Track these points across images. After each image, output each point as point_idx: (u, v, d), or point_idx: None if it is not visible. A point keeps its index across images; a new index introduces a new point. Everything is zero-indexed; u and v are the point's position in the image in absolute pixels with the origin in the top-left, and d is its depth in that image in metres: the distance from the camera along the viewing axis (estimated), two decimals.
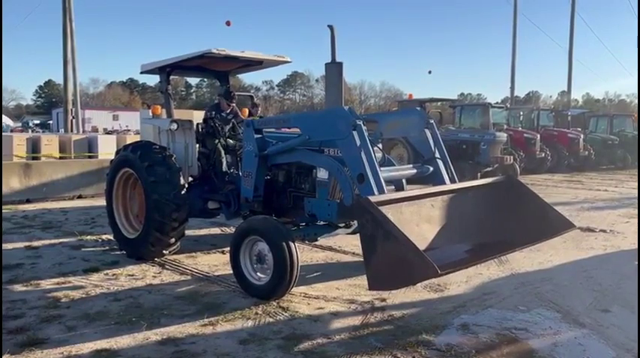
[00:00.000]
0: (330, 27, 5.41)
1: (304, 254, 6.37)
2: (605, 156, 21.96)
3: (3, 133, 23.52)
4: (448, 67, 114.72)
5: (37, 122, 60.16)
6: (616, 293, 5.05)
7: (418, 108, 6.14)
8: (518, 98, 51.44)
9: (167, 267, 5.93)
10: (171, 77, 6.87)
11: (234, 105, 6.84)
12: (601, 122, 24.66)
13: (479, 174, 14.39)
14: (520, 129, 19.08)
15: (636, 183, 14.39)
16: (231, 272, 4.99)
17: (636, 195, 11.58)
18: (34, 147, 16.09)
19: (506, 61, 57.76)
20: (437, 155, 5.22)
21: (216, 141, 6.47)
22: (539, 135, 18.67)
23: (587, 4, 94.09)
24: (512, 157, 16.05)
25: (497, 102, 19.44)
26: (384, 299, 4.77)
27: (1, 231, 7.14)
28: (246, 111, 8.05)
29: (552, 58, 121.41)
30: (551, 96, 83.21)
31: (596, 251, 6.89)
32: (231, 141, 6.50)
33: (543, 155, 18.61)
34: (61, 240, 7.25)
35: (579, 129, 21.83)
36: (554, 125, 21.77)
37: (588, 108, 46.30)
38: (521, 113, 20.65)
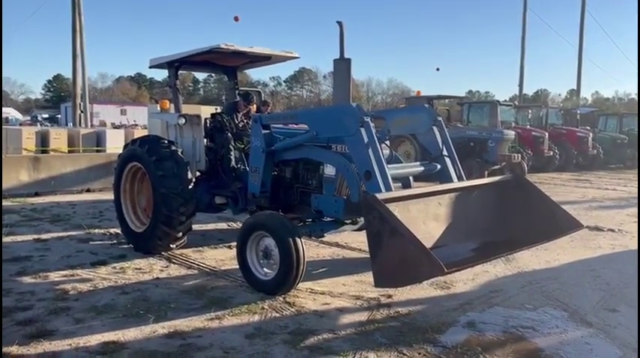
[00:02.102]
0: (339, 23, 5.40)
1: (311, 250, 6.39)
2: (614, 155, 21.80)
3: (12, 127, 23.70)
4: (456, 64, 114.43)
5: (46, 116, 60.49)
6: (623, 293, 5.03)
7: (426, 106, 6.11)
8: (526, 96, 51.18)
9: (174, 261, 5.96)
10: (180, 72, 6.88)
11: (250, 107, 6.84)
12: (610, 121, 24.51)
13: (486, 172, 14.32)
14: (528, 127, 18.93)
15: None
16: (238, 267, 5.02)
17: None
18: (43, 141, 16.25)
19: (515, 59, 57.37)
20: (444, 152, 5.21)
21: (224, 136, 6.48)
22: (547, 134, 18.53)
23: (598, 1, 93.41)
24: (520, 155, 15.95)
25: (505, 100, 19.37)
26: (390, 296, 4.77)
27: (1, 224, 7.18)
28: (254, 107, 8.04)
29: (562, 56, 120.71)
30: (560, 95, 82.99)
31: (604, 250, 6.85)
32: (239, 141, 6.48)
33: (551, 153, 18.48)
34: (69, 233, 7.30)
35: (588, 128, 21.65)
36: (562, 123, 21.62)
37: (598, 106, 45.94)
38: (530, 111, 20.48)
